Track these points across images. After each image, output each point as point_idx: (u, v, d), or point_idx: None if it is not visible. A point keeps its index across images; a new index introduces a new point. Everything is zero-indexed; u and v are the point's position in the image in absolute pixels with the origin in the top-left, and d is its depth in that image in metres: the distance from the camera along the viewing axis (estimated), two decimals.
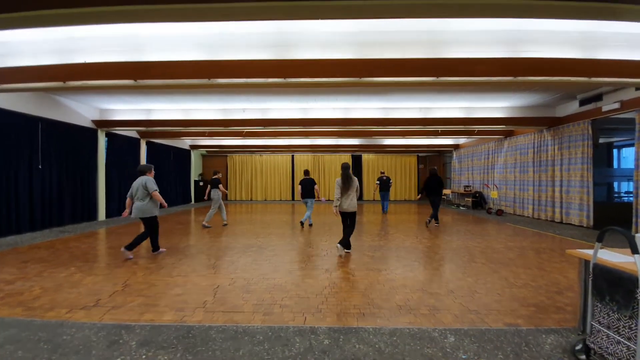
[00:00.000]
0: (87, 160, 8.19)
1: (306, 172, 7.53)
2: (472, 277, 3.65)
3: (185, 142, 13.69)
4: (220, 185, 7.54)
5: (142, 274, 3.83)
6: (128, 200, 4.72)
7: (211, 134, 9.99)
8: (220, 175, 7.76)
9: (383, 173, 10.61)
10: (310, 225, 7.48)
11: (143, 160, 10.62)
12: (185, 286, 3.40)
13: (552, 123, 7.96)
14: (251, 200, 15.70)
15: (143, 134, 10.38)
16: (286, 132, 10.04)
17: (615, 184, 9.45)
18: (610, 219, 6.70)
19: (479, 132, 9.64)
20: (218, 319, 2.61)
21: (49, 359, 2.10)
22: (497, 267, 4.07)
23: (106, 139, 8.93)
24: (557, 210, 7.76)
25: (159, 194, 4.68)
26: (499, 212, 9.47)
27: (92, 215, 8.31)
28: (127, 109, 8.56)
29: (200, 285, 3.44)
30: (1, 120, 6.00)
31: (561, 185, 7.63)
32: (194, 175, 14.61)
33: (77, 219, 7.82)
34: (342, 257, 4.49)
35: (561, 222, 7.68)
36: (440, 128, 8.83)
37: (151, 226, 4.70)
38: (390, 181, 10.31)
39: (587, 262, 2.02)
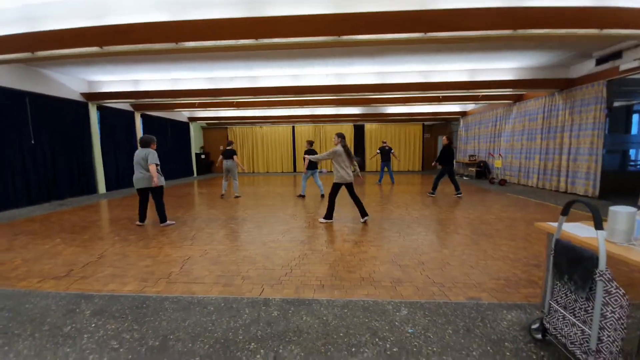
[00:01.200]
0: (80, 134, 8.19)
1: (310, 143, 7.33)
2: (449, 249, 3.51)
3: (183, 115, 13.52)
4: (235, 157, 7.39)
5: (120, 246, 3.89)
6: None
7: (201, 105, 9.74)
8: (231, 146, 7.55)
9: (385, 143, 10.23)
10: (323, 196, 7.32)
11: (139, 133, 10.58)
12: (156, 257, 3.43)
13: (565, 85, 7.27)
14: (253, 172, 15.73)
15: (137, 107, 10.23)
16: (280, 102, 9.67)
17: (633, 152, 8.80)
18: (617, 188, 6.30)
19: (484, 97, 8.98)
20: (177, 290, 2.62)
21: (6, 325, 2.17)
22: (480, 238, 3.90)
23: (98, 112, 8.85)
24: (563, 179, 7.35)
25: (155, 169, 4.59)
26: (502, 182, 9.11)
27: (91, 188, 8.49)
28: (115, 80, 8.34)
29: (172, 256, 3.46)
30: None
31: (569, 153, 7.14)
32: (195, 148, 14.60)
33: (76, 193, 8.01)
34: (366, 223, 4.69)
35: (565, 192, 7.30)
36: (441, 93, 8.26)
37: (158, 195, 4.78)
38: (392, 151, 9.95)
39: (553, 236, 1.82)
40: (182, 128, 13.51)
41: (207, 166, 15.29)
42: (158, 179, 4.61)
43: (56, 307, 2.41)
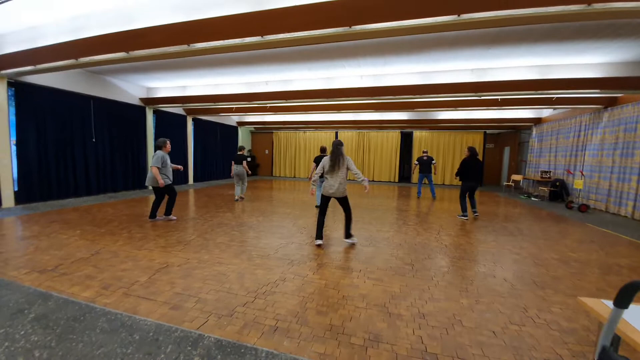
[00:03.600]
0: (136, 135, 9.11)
1: (323, 150, 6.80)
2: (471, 298, 2.61)
3: (232, 119, 14.25)
4: (245, 162, 7.46)
5: (121, 243, 3.93)
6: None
7: (238, 110, 10.00)
8: (243, 152, 7.62)
9: (425, 152, 9.08)
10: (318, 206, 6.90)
11: (190, 136, 11.43)
12: (139, 261, 3.32)
13: None
14: (294, 177, 15.74)
15: (189, 111, 11.05)
16: (315, 106, 9.36)
17: None
18: None
19: (560, 101, 7.23)
20: (124, 305, 2.38)
21: None
22: (524, 288, 2.86)
23: (154, 115, 9.76)
24: None
25: (157, 171, 4.89)
26: (583, 208, 7.17)
27: (143, 184, 9.35)
28: (168, 86, 9.10)
29: (153, 262, 3.31)
30: (58, 99, 6.94)
31: None
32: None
33: (129, 187, 8.90)
34: (354, 246, 4.00)
35: None
36: (500, 95, 6.89)
37: (167, 193, 5.14)
38: (434, 162, 8.78)
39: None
40: (230, 132, 14.24)
41: (253, 168, 15.86)
42: (163, 180, 4.85)
43: (14, 304, 2.38)
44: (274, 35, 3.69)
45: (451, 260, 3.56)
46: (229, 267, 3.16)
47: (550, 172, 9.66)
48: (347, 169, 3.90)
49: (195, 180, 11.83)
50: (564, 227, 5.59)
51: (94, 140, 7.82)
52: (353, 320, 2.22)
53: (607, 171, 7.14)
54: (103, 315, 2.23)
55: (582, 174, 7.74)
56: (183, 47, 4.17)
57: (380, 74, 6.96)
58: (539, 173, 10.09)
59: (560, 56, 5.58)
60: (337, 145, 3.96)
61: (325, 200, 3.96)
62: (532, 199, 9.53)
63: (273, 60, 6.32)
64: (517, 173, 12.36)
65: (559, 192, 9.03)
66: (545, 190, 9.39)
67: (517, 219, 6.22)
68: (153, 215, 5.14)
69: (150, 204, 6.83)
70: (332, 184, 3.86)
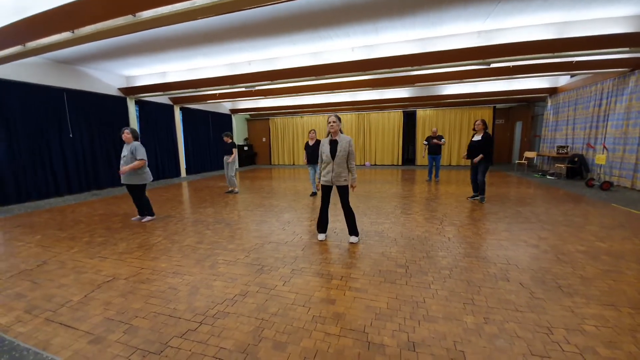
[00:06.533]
0: (119, 128, 8.57)
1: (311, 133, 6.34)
2: (479, 315, 2.03)
3: (224, 107, 13.59)
4: (235, 150, 6.98)
5: (75, 250, 3.47)
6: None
7: (222, 96, 9.32)
8: (228, 139, 7.09)
9: (435, 131, 8.28)
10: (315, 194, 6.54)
11: (179, 126, 10.87)
12: (84, 273, 2.84)
13: None
14: (293, 165, 15.16)
15: (175, 100, 10.44)
16: (306, 87, 8.61)
17: None
18: None
19: (579, 65, 6.31)
20: (37, 337, 1.91)
21: None
22: (547, 297, 2.26)
23: (137, 106, 9.20)
24: None
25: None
26: (605, 186, 6.40)
27: None
28: (146, 73, 8.47)
29: (100, 273, 2.83)
30: (26, 94, 6.41)
31: None
32: (238, 140, 14.69)
33: (115, 183, 8.47)
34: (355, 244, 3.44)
35: None
36: (512, 62, 6.04)
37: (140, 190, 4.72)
38: (443, 140, 8.02)
39: None
40: (223, 120, 13.60)
41: (250, 157, 15.33)
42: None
43: None
44: None
45: (454, 259, 2.97)
46: (184, 279, 2.66)
47: (567, 147, 8.81)
48: (348, 155, 3.26)
49: (188, 172, 11.37)
50: (587, 209, 4.90)
51: (71, 135, 7.34)
52: (318, 356, 1.68)
53: (634, 143, 6.31)
54: (9, 351, 1.76)
55: (605, 148, 6.91)
56: (129, 19, 3.53)
57: (373, 43, 6.16)
58: (555, 149, 9.23)
59: (581, 9, 4.70)
60: (333, 121, 3.22)
61: (325, 190, 3.39)
62: (548, 177, 8.75)
63: (253, 33, 5.57)
64: (531, 150, 11.49)
65: (577, 168, 8.22)
66: (562, 167, 8.59)
67: (532, 202, 5.54)
68: (151, 211, 4.80)
69: (124, 201, 6.41)
70: (329, 169, 3.29)
